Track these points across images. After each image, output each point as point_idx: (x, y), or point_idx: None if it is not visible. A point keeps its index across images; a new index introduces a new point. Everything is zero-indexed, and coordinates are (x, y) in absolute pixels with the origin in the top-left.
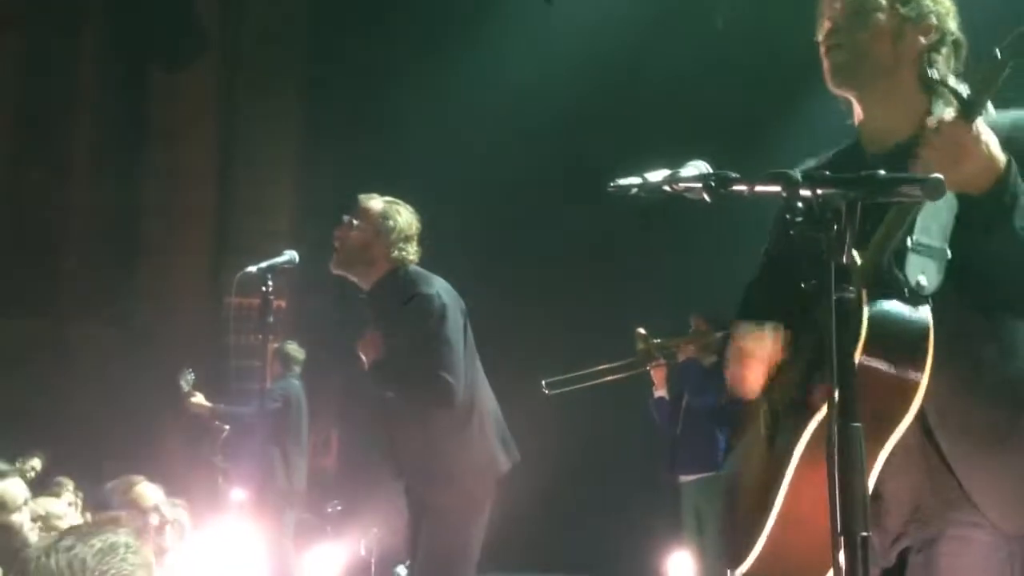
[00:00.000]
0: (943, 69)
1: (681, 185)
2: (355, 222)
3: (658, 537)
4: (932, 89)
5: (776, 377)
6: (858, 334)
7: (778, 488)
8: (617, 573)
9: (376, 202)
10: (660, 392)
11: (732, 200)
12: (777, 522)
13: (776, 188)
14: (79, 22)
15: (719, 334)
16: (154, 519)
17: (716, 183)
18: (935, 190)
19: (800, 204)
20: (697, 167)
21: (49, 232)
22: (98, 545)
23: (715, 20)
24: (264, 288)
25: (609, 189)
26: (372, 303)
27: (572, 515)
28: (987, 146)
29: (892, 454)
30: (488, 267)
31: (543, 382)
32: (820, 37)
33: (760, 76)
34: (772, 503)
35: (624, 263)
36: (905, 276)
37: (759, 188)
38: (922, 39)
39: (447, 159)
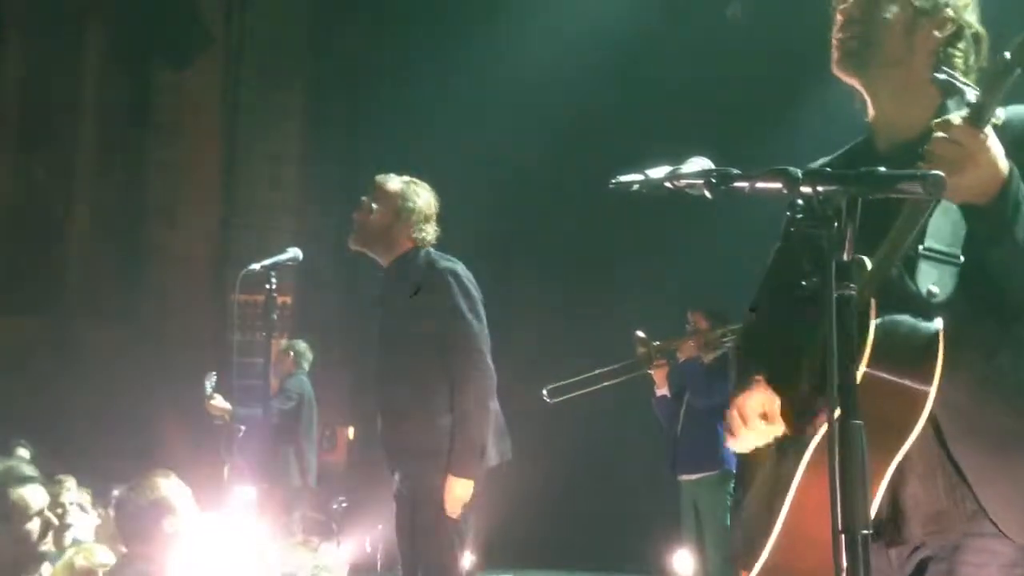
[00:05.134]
0: (960, 64)
1: (682, 181)
2: (374, 205)
3: (661, 535)
4: (944, 87)
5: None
6: (864, 344)
7: (784, 497)
8: (621, 571)
9: (394, 183)
10: (662, 391)
11: (732, 197)
12: (783, 532)
13: (777, 185)
14: (84, 20)
15: (719, 331)
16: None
17: (717, 179)
18: (935, 186)
19: (800, 201)
20: (699, 163)
21: (53, 230)
22: None
23: (727, 9)
24: (268, 285)
25: (610, 186)
26: (388, 280)
27: (576, 513)
28: (993, 155)
29: (911, 462)
30: (482, 269)
31: (544, 390)
32: (834, 31)
33: (767, 70)
34: (778, 512)
35: (618, 263)
36: (916, 284)
37: (760, 185)
38: (937, 33)
39: (448, 156)
